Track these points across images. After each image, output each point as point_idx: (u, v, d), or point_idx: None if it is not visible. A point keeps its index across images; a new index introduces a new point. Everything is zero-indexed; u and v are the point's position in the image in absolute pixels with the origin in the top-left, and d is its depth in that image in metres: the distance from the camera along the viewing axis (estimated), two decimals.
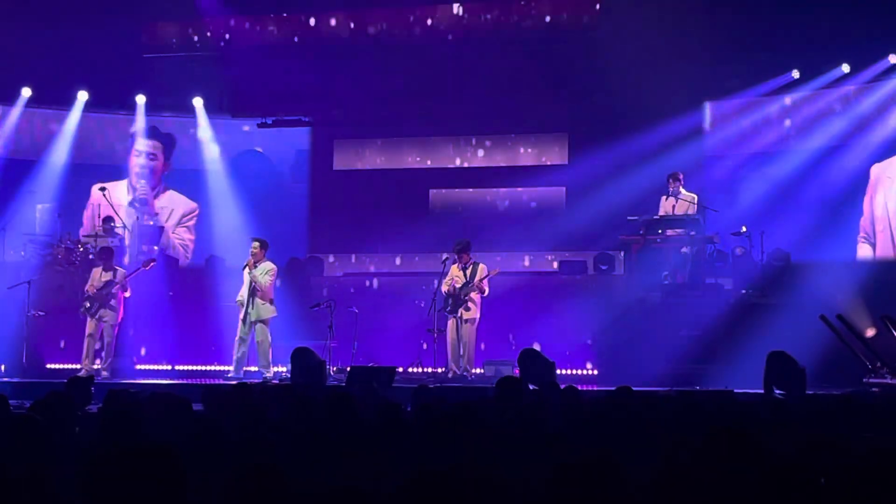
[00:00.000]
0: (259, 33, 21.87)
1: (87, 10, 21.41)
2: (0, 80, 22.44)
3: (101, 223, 20.83)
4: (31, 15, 21.32)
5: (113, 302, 18.18)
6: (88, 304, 18.18)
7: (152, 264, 18.75)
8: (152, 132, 23.86)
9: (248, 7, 22.03)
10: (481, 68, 22.11)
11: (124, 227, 20.97)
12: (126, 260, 19.81)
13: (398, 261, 23.02)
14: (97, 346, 18.26)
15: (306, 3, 22.02)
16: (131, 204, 22.80)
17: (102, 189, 21.54)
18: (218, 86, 23.01)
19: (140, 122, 23.75)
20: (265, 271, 17.66)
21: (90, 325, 18.16)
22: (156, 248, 20.99)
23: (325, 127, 23.88)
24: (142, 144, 23.80)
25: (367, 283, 21.43)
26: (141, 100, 23.52)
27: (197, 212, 23.35)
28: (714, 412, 8.74)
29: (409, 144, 23.83)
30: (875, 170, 20.37)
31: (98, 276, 18.29)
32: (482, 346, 18.45)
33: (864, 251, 20.37)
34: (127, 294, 18.36)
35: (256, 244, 17.79)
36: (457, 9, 21.32)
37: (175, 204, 23.63)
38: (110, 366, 18.25)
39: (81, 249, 19.82)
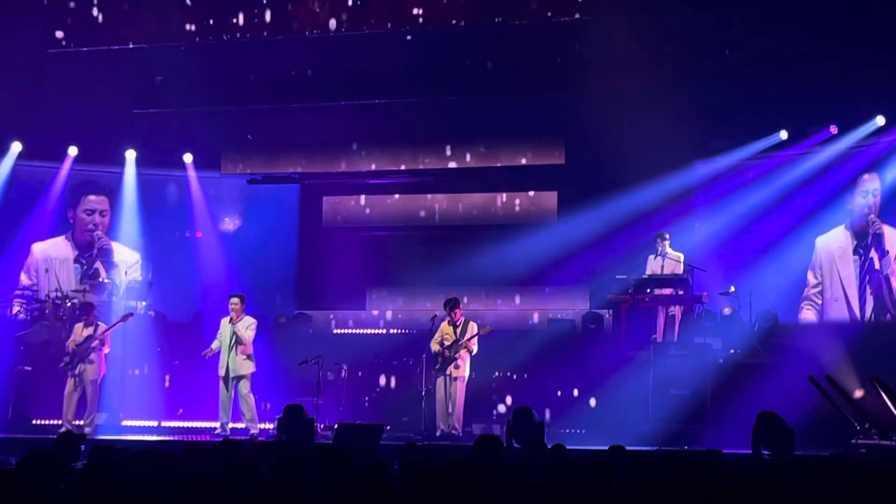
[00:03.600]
0: (250, 93, 21.87)
1: (78, 67, 21.45)
2: None
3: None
4: (21, 72, 21.35)
5: (93, 356, 18.16)
6: (68, 360, 18.17)
7: (130, 318, 18.81)
8: (95, 187, 23.68)
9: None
10: (471, 126, 22.20)
11: (112, 282, 20.91)
12: (112, 318, 19.73)
13: (386, 318, 22.97)
14: (79, 402, 18.20)
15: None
16: (78, 259, 22.56)
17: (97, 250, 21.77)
18: (207, 142, 23.00)
19: (130, 176, 23.66)
20: (248, 326, 17.83)
21: (69, 383, 18.15)
22: (143, 303, 20.93)
23: (314, 182, 23.90)
24: (93, 202, 23.62)
25: (357, 338, 21.42)
26: (131, 155, 23.50)
27: (139, 262, 23.20)
28: (703, 472, 8.70)
29: (400, 201, 23.83)
30: (819, 242, 20.56)
31: (79, 331, 18.31)
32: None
33: (808, 315, 20.46)
34: (106, 350, 18.33)
35: (236, 300, 18.05)
36: None
37: (122, 255, 23.40)
38: (93, 421, 18.18)
39: (69, 304, 19.79)
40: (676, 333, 18.51)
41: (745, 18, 19.09)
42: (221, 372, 17.77)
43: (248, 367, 17.82)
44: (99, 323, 18.48)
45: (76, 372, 18.16)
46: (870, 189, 20.21)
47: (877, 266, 19.85)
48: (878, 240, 19.86)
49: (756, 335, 18.39)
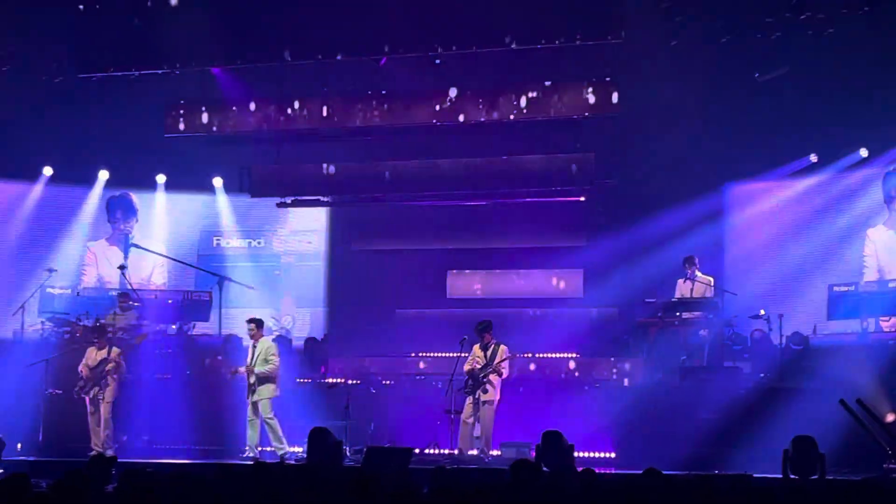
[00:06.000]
0: (277, 117, 21.95)
1: (110, 93, 21.65)
2: (22, 159, 22.70)
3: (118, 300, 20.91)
4: (54, 96, 21.56)
5: (108, 379, 18.22)
6: (83, 384, 18.27)
7: (144, 339, 18.94)
8: (126, 206, 24.53)
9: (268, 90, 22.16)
10: (500, 149, 22.17)
11: (142, 302, 21.02)
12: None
13: (415, 340, 22.94)
14: (99, 425, 18.29)
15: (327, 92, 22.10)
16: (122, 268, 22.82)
17: (122, 268, 22.01)
18: (237, 166, 23.13)
19: (160, 201, 24.13)
20: (267, 349, 17.96)
21: (90, 408, 18.31)
22: (174, 326, 21.02)
23: (343, 207, 23.99)
24: (124, 222, 24.58)
25: (384, 363, 21.41)
26: (161, 179, 23.92)
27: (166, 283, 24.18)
28: (733, 497, 8.69)
29: (427, 227, 23.84)
30: (872, 233, 20.70)
31: (93, 354, 18.41)
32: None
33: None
34: (121, 371, 18.40)
35: (252, 325, 18.29)
36: (462, 118, 21.28)
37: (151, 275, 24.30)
38: (112, 443, 18.26)
39: (97, 326, 19.86)
40: (706, 357, 18.45)
41: (772, 43, 19.07)
42: (250, 397, 17.89)
43: (267, 392, 17.91)
44: (113, 346, 18.56)
45: (91, 396, 18.25)
46: None
47: None
48: None
49: (786, 359, 18.30)
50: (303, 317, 24.25)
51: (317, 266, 24.57)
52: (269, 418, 17.81)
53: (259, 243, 24.71)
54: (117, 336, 19.38)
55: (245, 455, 17.73)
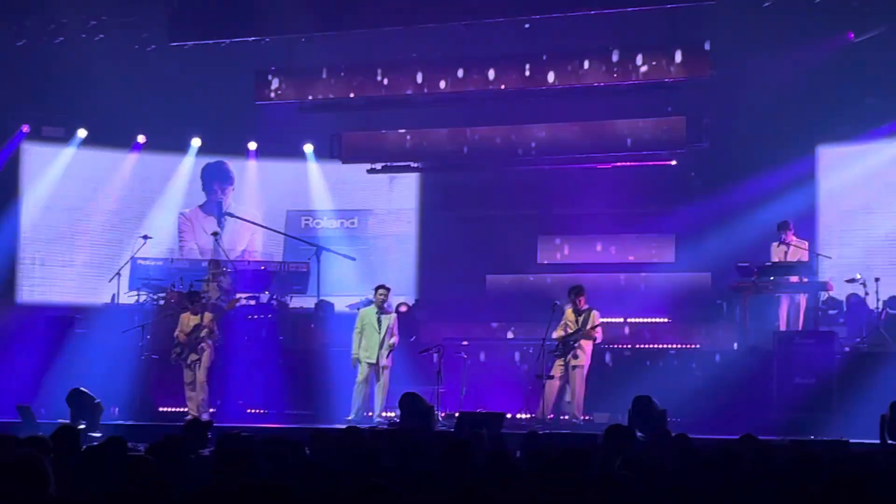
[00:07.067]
0: (366, 84, 22.00)
1: (202, 61, 21.86)
2: (117, 127, 23.00)
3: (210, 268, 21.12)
4: (147, 65, 21.82)
5: (202, 346, 18.43)
6: (179, 350, 18.48)
7: (237, 304, 19.10)
8: (222, 175, 24.88)
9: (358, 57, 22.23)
10: (590, 114, 22.06)
11: (234, 268, 21.23)
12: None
13: (506, 305, 22.92)
14: (195, 390, 18.52)
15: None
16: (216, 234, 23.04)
17: (216, 234, 22.29)
18: (327, 133, 23.23)
19: (252, 168, 24.35)
20: (393, 318, 18.16)
21: (187, 375, 18.50)
22: (267, 293, 21.18)
23: (433, 173, 24.01)
24: (219, 189, 24.91)
25: (476, 329, 21.43)
26: (252, 146, 24.11)
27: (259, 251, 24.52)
28: (830, 462, 8.59)
29: (516, 193, 23.81)
30: None
31: (187, 321, 18.59)
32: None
33: None
34: (215, 337, 18.60)
35: (384, 291, 18.31)
36: (552, 82, 21.14)
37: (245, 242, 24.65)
38: (207, 407, 18.47)
39: (190, 293, 20.08)
40: (801, 321, 18.26)
41: (868, 3, 18.76)
42: (371, 359, 17.96)
43: (390, 359, 18.07)
44: (206, 312, 18.77)
45: (188, 362, 18.47)
46: None
47: None
48: None
49: (882, 323, 18.06)
50: (393, 255, 24.32)
51: (409, 249, 24.57)
52: (385, 384, 17.99)
53: (353, 223, 24.75)
54: (210, 302, 19.59)
55: (350, 419, 17.82)
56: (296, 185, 24.61)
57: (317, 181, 24.40)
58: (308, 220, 24.65)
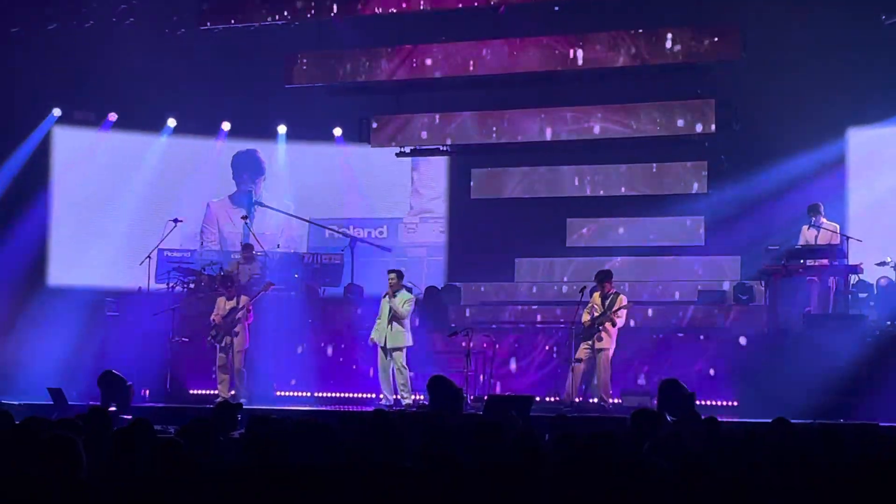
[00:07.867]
0: (397, 66, 22.02)
1: (231, 45, 21.93)
2: (147, 111, 23.08)
3: (241, 250, 21.19)
4: (176, 49, 21.89)
5: (238, 328, 18.50)
6: (215, 333, 18.58)
7: (271, 287, 19.13)
8: (252, 162, 24.94)
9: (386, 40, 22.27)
10: (620, 95, 22.01)
11: (265, 253, 21.30)
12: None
13: (534, 289, 22.98)
14: (229, 374, 18.59)
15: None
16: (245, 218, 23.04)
17: (245, 218, 22.32)
18: (356, 117, 23.25)
19: (281, 151, 24.37)
20: (404, 301, 17.95)
21: (220, 358, 18.58)
22: (297, 275, 21.23)
23: (462, 156, 24.01)
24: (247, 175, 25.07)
25: (505, 312, 21.47)
26: (282, 129, 24.10)
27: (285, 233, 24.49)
28: (860, 445, 8.58)
29: (546, 175, 23.82)
30: None
31: (222, 304, 18.68)
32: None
33: None
34: (250, 321, 18.67)
35: (393, 275, 18.16)
36: (581, 64, 21.11)
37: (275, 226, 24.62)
38: (246, 392, 18.53)
39: (224, 276, 20.15)
40: (831, 305, 18.18)
41: None
42: (381, 343, 18.00)
43: (403, 341, 17.98)
44: (241, 295, 18.82)
45: (223, 345, 18.56)
46: None
47: None
48: None
49: None
50: (424, 266, 24.30)
51: (439, 261, 24.50)
52: (402, 366, 17.98)
53: (381, 233, 24.76)
54: (243, 285, 19.65)
55: (381, 402, 17.91)
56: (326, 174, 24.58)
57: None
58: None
